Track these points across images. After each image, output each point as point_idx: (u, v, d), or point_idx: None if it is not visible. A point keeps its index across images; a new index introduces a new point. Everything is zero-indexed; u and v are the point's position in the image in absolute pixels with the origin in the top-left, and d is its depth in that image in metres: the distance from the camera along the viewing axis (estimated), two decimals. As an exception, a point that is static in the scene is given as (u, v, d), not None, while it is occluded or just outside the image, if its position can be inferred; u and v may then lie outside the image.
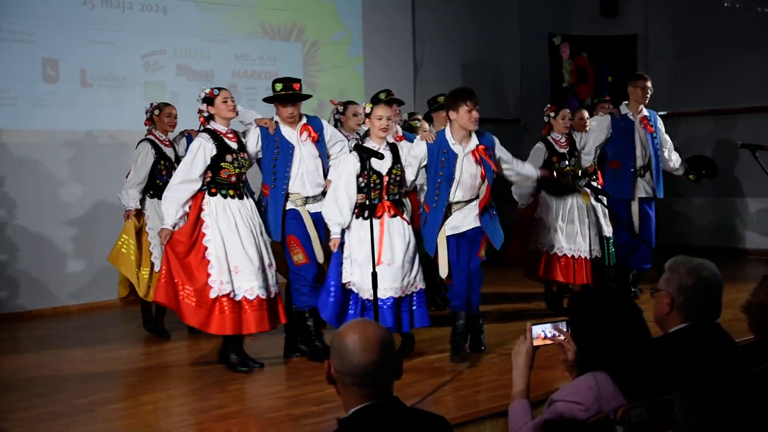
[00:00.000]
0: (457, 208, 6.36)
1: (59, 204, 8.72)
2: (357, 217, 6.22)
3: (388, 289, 6.12)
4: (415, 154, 6.39)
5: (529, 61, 12.78)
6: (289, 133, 6.50)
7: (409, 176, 6.40)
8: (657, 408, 2.95)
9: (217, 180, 6.18)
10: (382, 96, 7.68)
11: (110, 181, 9.11)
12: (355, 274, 6.18)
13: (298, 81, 6.57)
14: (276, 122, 6.51)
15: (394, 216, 6.26)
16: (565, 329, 3.35)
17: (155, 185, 7.42)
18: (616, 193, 8.09)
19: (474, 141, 6.35)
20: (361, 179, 6.17)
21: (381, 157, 5.90)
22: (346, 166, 6.23)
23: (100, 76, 9.20)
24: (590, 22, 12.78)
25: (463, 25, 12.26)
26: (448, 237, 6.33)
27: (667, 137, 8.53)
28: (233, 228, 6.13)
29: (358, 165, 6.15)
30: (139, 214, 7.39)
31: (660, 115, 8.60)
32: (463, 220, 6.36)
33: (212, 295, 6.03)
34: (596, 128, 8.38)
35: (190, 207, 6.15)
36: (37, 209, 8.82)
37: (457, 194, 6.34)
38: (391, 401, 2.67)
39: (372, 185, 6.10)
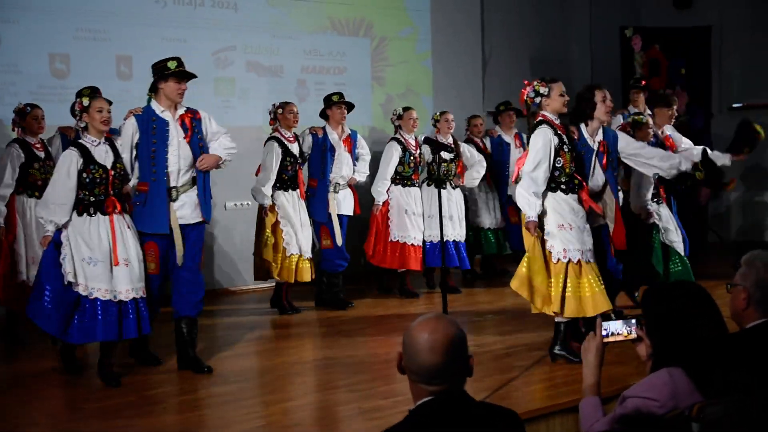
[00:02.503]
0: (183, 190, 6.09)
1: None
2: (80, 215, 5.80)
3: (131, 290, 5.82)
4: (124, 131, 6.04)
5: (599, 54, 12.60)
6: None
7: (126, 161, 5.99)
8: (734, 405, 2.89)
9: (27, 182, 7.08)
10: (335, 98, 8.35)
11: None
12: (86, 273, 5.72)
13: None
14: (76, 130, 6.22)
15: (121, 212, 5.92)
16: (635, 325, 3.30)
17: (282, 180, 8.08)
18: None
19: (181, 110, 6.15)
20: (85, 175, 5.77)
21: (451, 150, 6.03)
22: (69, 160, 5.79)
23: (172, 72, 9.32)
24: (663, 13, 12.56)
25: (532, 18, 12.14)
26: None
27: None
28: (30, 224, 7.01)
29: (81, 160, 5.77)
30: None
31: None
32: (181, 208, 6.09)
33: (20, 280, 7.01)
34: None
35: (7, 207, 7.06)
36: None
37: (173, 171, 6.03)
38: (460, 395, 2.66)
39: (98, 180, 5.79)
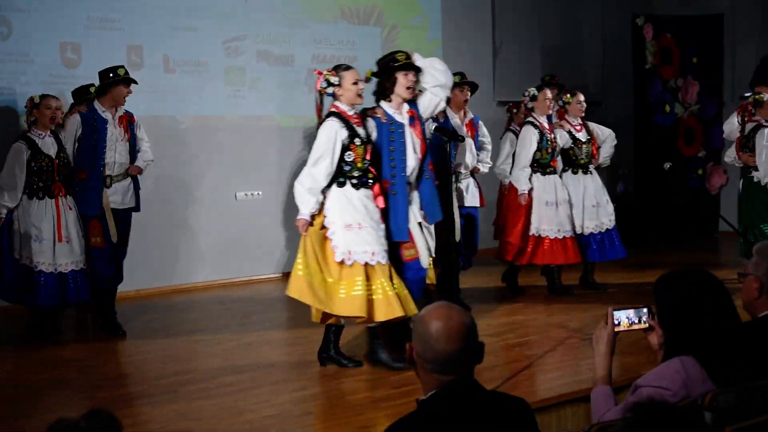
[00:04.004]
0: (117, 180, 7.20)
1: (143, 188, 8.83)
2: (30, 198, 6.80)
3: (70, 264, 6.85)
4: (69, 125, 7.08)
5: (611, 43, 12.55)
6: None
7: (69, 152, 7.02)
8: (746, 394, 2.88)
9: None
10: (456, 78, 7.30)
11: (193, 165, 9.26)
12: (33, 249, 6.75)
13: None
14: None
15: (65, 196, 6.91)
16: (647, 314, 3.29)
17: None
18: None
19: (121, 111, 7.23)
20: (33, 163, 6.78)
21: (462, 139, 5.87)
22: (18, 151, 6.77)
23: (183, 61, 9.32)
24: (674, 2, 12.49)
25: (543, 7, 12.08)
26: None
27: None
28: None
29: (30, 151, 6.76)
30: None
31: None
32: (114, 194, 7.20)
33: None
34: None
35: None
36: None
37: (109, 163, 7.11)
38: (470, 384, 2.66)
39: (45, 168, 6.81)
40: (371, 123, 5.83)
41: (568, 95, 8.35)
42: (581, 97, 8.31)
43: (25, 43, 8.41)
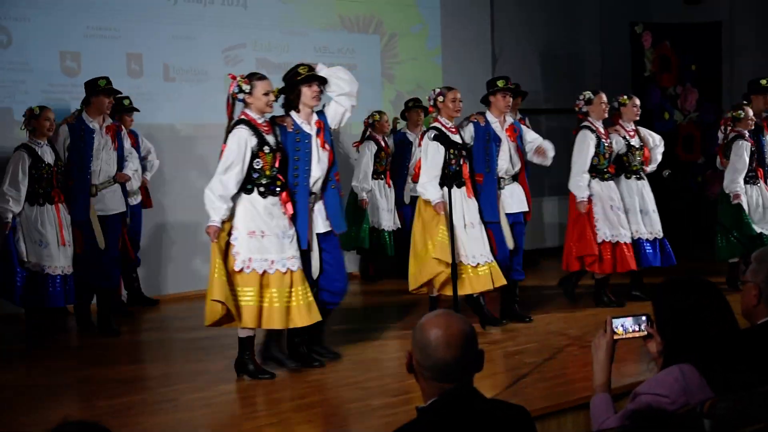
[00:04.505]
0: (102, 187, 7.42)
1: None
2: (31, 205, 7.04)
3: (68, 267, 7.10)
4: (59, 136, 7.31)
5: (609, 50, 12.57)
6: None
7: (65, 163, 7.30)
8: (745, 401, 2.88)
9: None
10: (501, 83, 7.27)
11: (193, 173, 9.25)
12: (37, 253, 6.95)
13: None
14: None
15: (63, 202, 7.17)
16: (646, 322, 3.29)
17: (445, 175, 6.88)
18: None
19: (108, 121, 7.49)
20: (34, 171, 7.02)
21: (464, 145, 6.09)
22: (20, 159, 7.00)
23: (182, 70, 9.33)
24: (673, 9, 12.50)
25: (542, 14, 12.10)
26: None
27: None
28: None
29: (31, 159, 6.99)
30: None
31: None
32: (100, 201, 7.42)
33: None
34: None
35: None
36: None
37: (95, 171, 7.35)
38: (470, 391, 2.66)
39: (45, 176, 7.07)
40: (278, 132, 5.93)
41: (624, 97, 8.06)
42: (637, 101, 8.04)
43: (24, 51, 8.43)
